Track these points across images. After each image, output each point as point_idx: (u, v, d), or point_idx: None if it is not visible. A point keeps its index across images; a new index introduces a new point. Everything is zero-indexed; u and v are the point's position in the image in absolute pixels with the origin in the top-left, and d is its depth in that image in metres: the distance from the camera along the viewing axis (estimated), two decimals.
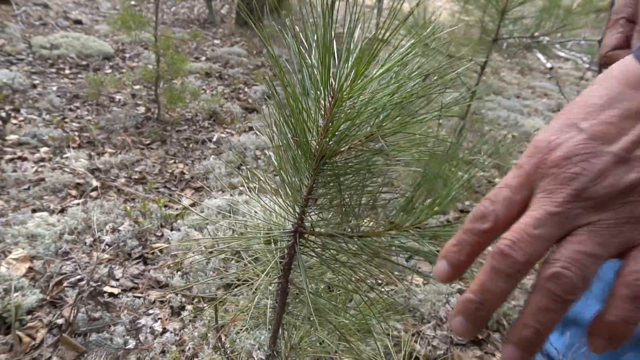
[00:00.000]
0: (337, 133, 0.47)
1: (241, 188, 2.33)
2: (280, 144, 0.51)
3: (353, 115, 0.45)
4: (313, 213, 0.56)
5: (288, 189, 0.55)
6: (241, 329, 1.34)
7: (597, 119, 0.33)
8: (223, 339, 1.41)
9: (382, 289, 1.73)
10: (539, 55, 6.27)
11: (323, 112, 0.46)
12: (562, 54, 7.07)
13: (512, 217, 0.33)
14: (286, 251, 0.58)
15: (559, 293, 0.30)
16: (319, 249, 0.58)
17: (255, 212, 0.64)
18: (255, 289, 0.64)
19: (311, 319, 0.69)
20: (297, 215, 0.56)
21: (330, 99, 0.45)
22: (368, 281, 0.58)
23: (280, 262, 0.60)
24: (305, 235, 0.57)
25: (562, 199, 0.31)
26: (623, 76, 0.34)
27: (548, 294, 0.30)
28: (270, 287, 0.67)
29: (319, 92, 0.46)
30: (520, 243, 0.31)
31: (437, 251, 0.56)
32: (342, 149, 0.49)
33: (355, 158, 0.50)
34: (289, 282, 0.62)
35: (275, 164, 0.53)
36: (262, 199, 0.63)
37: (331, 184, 0.53)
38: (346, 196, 0.53)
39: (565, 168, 0.32)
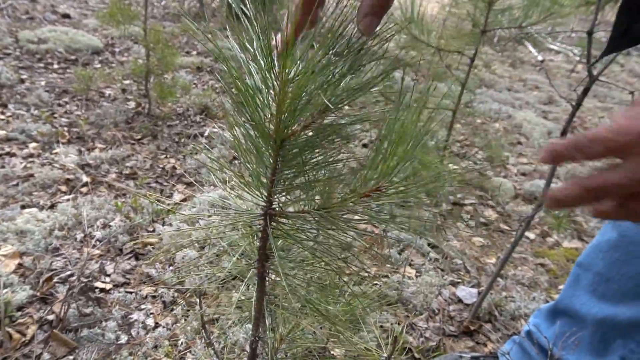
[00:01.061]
0: (286, 113, 0.47)
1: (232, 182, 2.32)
2: (240, 131, 0.52)
3: (299, 93, 0.46)
4: (281, 195, 0.57)
5: (253, 173, 0.56)
6: (233, 323, 1.34)
7: None
8: (216, 333, 1.41)
9: (370, 278, 1.74)
10: (530, 48, 6.30)
11: (273, 95, 0.47)
12: (553, 47, 7.10)
13: (595, 159, 0.49)
14: (259, 235, 0.59)
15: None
16: (291, 231, 0.58)
17: (229, 202, 0.64)
18: (233, 279, 0.64)
19: (295, 305, 0.68)
20: (264, 197, 0.56)
21: (277, 82, 0.46)
22: (349, 265, 0.58)
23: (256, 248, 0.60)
24: (276, 217, 0.57)
25: (629, 180, 0.46)
26: None
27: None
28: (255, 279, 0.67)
29: (266, 77, 0.47)
30: (602, 188, 0.47)
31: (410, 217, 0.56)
32: (296, 127, 0.50)
33: (313, 134, 0.52)
34: (265, 267, 0.62)
35: (235, 148, 0.54)
36: (233, 188, 0.63)
37: (294, 163, 0.54)
38: (309, 173, 0.54)
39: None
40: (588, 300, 0.96)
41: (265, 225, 0.56)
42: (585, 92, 1.35)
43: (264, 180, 0.55)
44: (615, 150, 0.46)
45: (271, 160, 0.53)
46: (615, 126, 0.46)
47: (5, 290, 1.37)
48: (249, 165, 0.54)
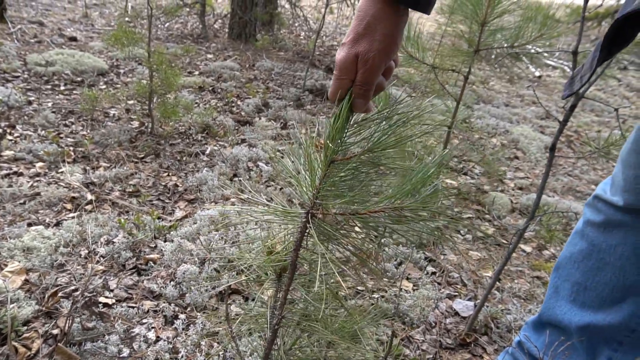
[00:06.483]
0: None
1: (233, 199, 2.37)
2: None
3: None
4: (321, 201, 0.71)
5: (306, 183, 0.71)
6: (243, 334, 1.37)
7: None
8: (216, 346, 1.44)
9: (367, 292, 1.77)
10: (528, 64, 6.39)
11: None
12: (550, 63, 7.20)
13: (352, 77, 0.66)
14: (299, 228, 0.70)
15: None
16: (323, 229, 0.70)
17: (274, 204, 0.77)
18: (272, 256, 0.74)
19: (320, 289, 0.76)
20: (310, 199, 0.69)
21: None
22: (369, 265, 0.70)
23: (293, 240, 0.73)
24: (316, 215, 0.70)
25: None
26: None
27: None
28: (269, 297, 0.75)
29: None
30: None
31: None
32: (342, 158, 0.67)
33: (356, 165, 0.68)
34: (298, 256, 0.74)
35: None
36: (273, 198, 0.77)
37: (339, 179, 0.69)
38: (347, 187, 0.68)
39: None
40: (569, 309, 0.99)
41: (306, 221, 0.69)
42: (572, 109, 1.40)
43: (312, 189, 0.70)
44: (348, 71, 0.66)
45: (321, 175, 0.69)
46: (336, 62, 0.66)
47: (12, 306, 1.41)
48: (307, 176, 0.71)
